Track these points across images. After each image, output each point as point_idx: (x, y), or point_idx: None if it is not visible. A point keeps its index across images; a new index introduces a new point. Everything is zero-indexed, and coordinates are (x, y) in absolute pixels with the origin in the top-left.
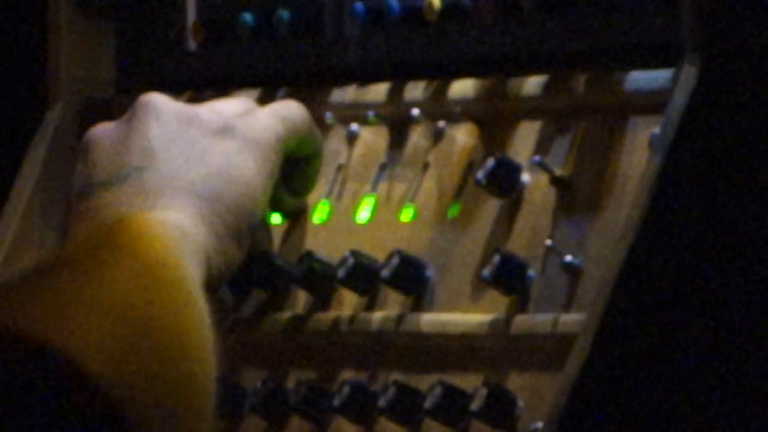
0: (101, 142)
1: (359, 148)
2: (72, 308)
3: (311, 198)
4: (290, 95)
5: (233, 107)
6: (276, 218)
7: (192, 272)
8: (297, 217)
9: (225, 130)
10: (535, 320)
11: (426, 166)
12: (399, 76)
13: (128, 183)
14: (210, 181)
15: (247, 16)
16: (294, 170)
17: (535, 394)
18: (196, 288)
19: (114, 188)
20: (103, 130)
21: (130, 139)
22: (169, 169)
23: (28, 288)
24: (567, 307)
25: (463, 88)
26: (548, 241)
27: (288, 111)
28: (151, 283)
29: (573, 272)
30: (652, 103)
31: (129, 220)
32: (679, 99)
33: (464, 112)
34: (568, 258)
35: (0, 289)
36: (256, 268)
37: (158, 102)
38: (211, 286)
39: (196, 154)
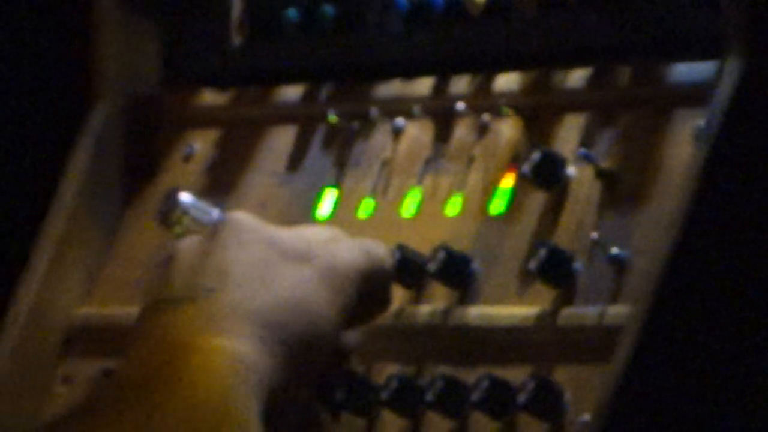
0: (181, 257)
1: (404, 143)
2: None
3: (356, 193)
4: (335, 90)
5: (319, 234)
6: (322, 212)
7: (248, 406)
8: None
9: (304, 257)
10: (582, 313)
11: (471, 160)
12: (443, 71)
13: (198, 304)
14: (278, 311)
15: (292, 12)
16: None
17: (582, 386)
18: (250, 423)
19: (183, 307)
20: (187, 245)
21: (209, 258)
22: (239, 293)
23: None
24: (613, 299)
25: (507, 81)
26: (594, 234)
27: (374, 247)
28: (204, 418)
29: (619, 264)
30: (697, 95)
31: (191, 348)
32: (724, 91)
33: (509, 105)
34: (614, 250)
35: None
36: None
37: (243, 223)
38: (276, 411)
39: (270, 279)
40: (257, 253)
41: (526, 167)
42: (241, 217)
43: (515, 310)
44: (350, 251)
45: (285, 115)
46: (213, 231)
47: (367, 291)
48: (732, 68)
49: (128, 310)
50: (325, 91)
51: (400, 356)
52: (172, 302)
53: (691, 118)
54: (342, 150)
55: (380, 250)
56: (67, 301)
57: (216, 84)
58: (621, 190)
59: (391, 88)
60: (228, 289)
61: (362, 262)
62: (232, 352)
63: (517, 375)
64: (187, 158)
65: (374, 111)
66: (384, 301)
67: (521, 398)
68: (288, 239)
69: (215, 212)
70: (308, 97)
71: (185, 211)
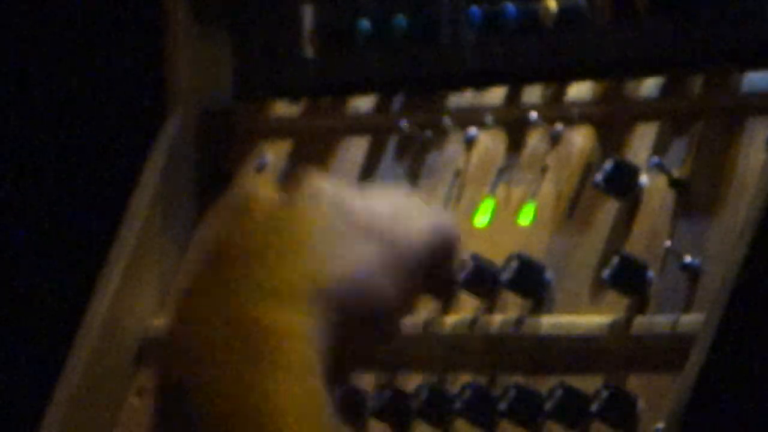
0: (260, 213)
1: (477, 153)
2: None
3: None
4: (407, 100)
5: (393, 204)
6: None
7: (317, 380)
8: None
9: (374, 231)
10: (655, 321)
11: (544, 170)
12: (516, 80)
13: (270, 268)
14: (344, 285)
15: (364, 23)
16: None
17: (656, 394)
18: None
19: (257, 267)
20: (267, 202)
21: (284, 221)
22: (309, 264)
23: None
24: (686, 307)
25: (580, 91)
26: (667, 242)
27: (444, 222)
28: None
29: (692, 273)
30: None
31: (261, 325)
32: None
33: (581, 115)
34: (687, 259)
35: None
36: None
37: (320, 189)
38: (330, 381)
39: (339, 253)
40: (330, 223)
41: (598, 176)
42: (318, 182)
43: (588, 319)
44: (420, 225)
45: (357, 126)
46: (291, 192)
47: (433, 267)
48: None
49: None
50: (397, 102)
51: (474, 366)
52: (247, 257)
53: (764, 127)
54: (414, 160)
55: (449, 225)
56: (141, 313)
57: (288, 95)
58: (694, 199)
59: (464, 98)
60: (298, 259)
61: (431, 237)
62: (299, 329)
63: (590, 384)
64: (260, 169)
65: (447, 121)
66: (448, 280)
67: (595, 407)
68: (361, 210)
69: None
70: (380, 108)
71: None
